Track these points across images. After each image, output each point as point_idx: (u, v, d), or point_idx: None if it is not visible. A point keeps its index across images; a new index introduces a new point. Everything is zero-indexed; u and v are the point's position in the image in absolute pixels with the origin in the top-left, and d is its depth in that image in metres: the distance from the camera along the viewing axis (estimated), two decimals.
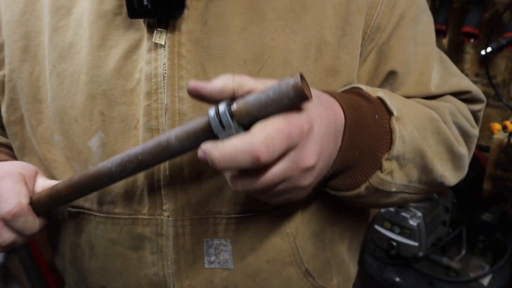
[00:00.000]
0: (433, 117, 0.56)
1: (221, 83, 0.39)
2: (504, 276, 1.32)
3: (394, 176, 0.51)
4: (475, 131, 0.64)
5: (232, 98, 0.39)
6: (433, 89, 0.60)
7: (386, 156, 0.49)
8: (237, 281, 0.58)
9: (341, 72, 0.54)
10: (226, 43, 0.51)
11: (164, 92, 0.52)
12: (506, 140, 1.21)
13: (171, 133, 0.42)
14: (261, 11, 0.52)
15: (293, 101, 0.36)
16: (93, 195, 0.56)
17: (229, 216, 0.55)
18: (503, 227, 1.39)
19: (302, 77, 0.36)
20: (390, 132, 0.50)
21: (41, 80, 0.57)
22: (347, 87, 0.54)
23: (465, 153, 0.60)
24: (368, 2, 0.55)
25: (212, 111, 0.38)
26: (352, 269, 0.72)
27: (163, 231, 0.55)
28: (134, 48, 0.53)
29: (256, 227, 0.56)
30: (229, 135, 0.38)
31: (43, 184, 0.54)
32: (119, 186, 0.55)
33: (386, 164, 0.49)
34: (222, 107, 0.38)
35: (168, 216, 0.55)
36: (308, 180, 0.41)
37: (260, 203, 0.54)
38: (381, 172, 0.50)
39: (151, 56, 0.52)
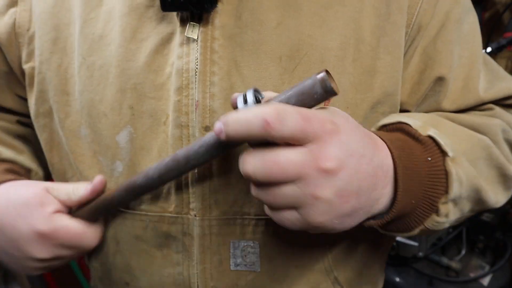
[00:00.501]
0: (485, 144, 0.53)
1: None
2: (504, 276, 1.33)
3: (449, 216, 0.48)
4: None
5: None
6: (482, 94, 0.57)
7: (443, 200, 0.46)
8: (263, 285, 0.56)
9: (381, 73, 0.53)
10: (261, 38, 0.50)
11: (195, 87, 0.50)
12: None
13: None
14: (298, 6, 0.51)
15: (320, 93, 0.36)
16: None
17: (258, 217, 0.53)
18: (503, 227, 1.39)
19: (328, 72, 0.36)
20: (446, 174, 0.46)
21: (69, 73, 0.57)
22: (392, 120, 0.50)
23: None
24: (407, 1, 0.53)
25: (240, 98, 0.40)
26: (381, 279, 0.70)
27: (189, 230, 0.54)
28: (166, 41, 0.52)
29: (286, 231, 0.52)
30: None
31: (63, 188, 0.55)
32: None
33: (442, 208, 0.46)
34: (249, 93, 0.39)
35: (195, 215, 0.53)
36: (326, 190, 0.37)
37: None
38: (437, 215, 0.47)
39: (183, 51, 0.51)
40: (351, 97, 0.52)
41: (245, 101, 0.39)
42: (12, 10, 0.60)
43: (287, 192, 0.37)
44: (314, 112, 0.37)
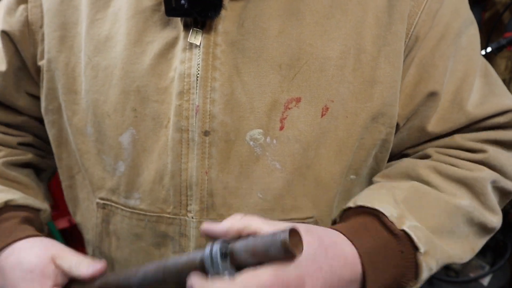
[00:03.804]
0: (465, 210, 0.54)
1: (228, 224, 0.44)
2: (504, 276, 1.33)
3: (418, 286, 0.52)
4: None
5: (238, 237, 0.43)
6: (470, 109, 0.57)
7: (411, 283, 0.50)
8: None
9: (381, 83, 0.53)
10: (262, 46, 0.51)
11: (196, 92, 0.51)
12: None
13: (168, 262, 0.46)
14: (300, 15, 0.51)
15: (281, 255, 0.39)
16: (121, 190, 0.57)
17: None
18: (503, 227, 1.39)
19: (293, 232, 0.38)
20: (416, 265, 0.49)
21: (76, 71, 0.58)
22: (369, 204, 0.52)
23: (498, 223, 0.58)
24: (407, 11, 0.53)
25: (207, 250, 0.42)
26: None
27: (186, 232, 0.55)
28: (170, 46, 0.52)
29: None
30: (218, 273, 0.41)
31: (68, 260, 0.54)
32: (146, 183, 0.55)
33: None
34: (216, 247, 0.42)
35: (192, 217, 0.54)
36: None
37: (286, 211, 0.54)
38: None
39: (185, 56, 0.51)
40: (351, 106, 0.52)
41: (211, 253, 0.41)
42: (22, 6, 0.60)
43: None
44: (280, 275, 0.39)
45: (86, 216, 0.64)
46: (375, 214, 0.51)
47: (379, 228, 0.50)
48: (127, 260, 0.60)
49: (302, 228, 0.42)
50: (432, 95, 0.56)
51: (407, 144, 0.61)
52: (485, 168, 0.57)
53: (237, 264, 0.42)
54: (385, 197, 0.52)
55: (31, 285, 0.53)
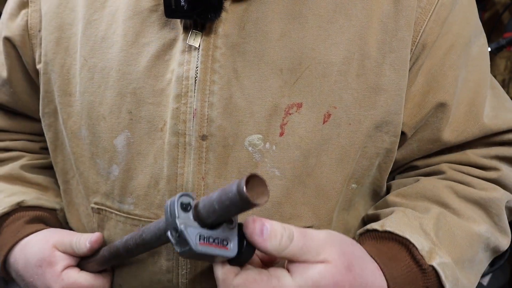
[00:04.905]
0: (484, 237, 0.54)
1: None
2: (504, 276, 1.33)
3: None
4: None
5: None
6: (486, 121, 0.56)
7: None
8: None
9: (386, 90, 0.52)
10: (264, 49, 0.50)
11: (194, 96, 0.50)
12: None
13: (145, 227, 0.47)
14: (303, 18, 0.50)
15: (238, 203, 0.36)
16: (115, 194, 0.56)
17: None
18: None
19: (254, 178, 0.35)
20: None
21: (71, 73, 0.57)
22: (399, 232, 0.50)
23: (507, 245, 0.58)
24: (414, 17, 0.52)
25: (168, 201, 0.42)
26: None
27: None
28: (167, 47, 0.52)
29: None
30: (175, 229, 0.40)
31: (68, 242, 0.57)
32: (141, 188, 0.54)
33: None
34: (174, 197, 0.41)
35: None
36: None
37: (285, 219, 0.52)
38: None
39: (184, 58, 0.50)
40: (354, 113, 0.52)
41: (171, 212, 0.40)
42: (24, 11, 0.61)
43: None
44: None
45: (83, 222, 0.63)
46: (404, 243, 0.49)
47: (409, 260, 0.48)
48: (120, 267, 0.59)
49: (343, 265, 0.42)
50: (442, 106, 0.55)
51: (416, 156, 0.60)
52: (499, 187, 0.56)
53: (202, 220, 0.40)
54: (413, 224, 0.51)
55: (44, 278, 0.56)
